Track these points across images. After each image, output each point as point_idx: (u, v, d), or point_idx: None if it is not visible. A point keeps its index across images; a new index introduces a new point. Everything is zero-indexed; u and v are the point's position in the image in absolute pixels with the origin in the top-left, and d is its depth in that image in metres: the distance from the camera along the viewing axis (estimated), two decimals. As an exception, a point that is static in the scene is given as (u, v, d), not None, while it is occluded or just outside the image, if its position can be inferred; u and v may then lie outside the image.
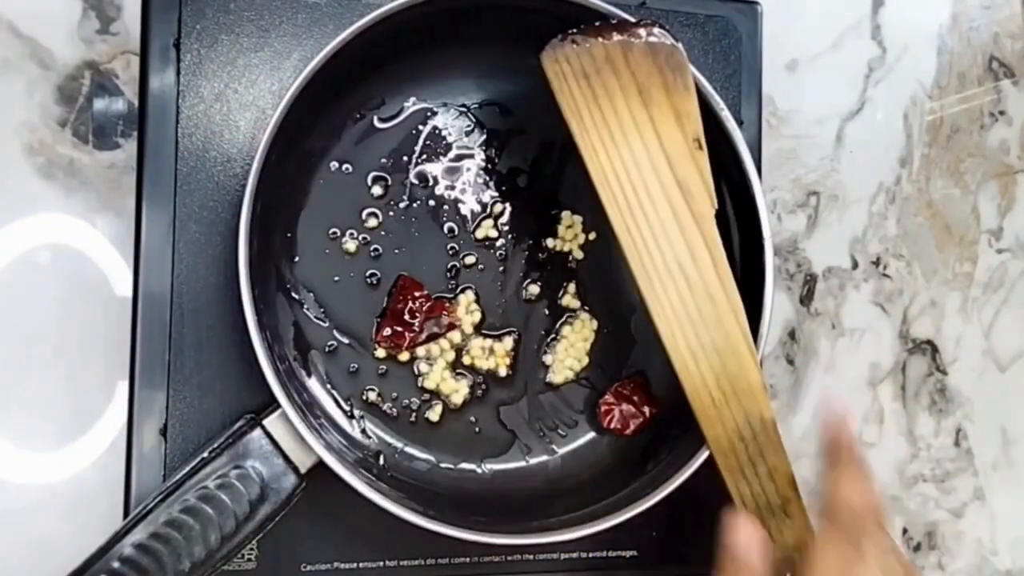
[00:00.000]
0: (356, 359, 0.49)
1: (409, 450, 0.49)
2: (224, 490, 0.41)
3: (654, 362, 0.52)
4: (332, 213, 0.49)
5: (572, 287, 0.52)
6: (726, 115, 0.47)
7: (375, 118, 0.50)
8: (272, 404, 0.43)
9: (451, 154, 0.51)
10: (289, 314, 0.48)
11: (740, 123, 0.52)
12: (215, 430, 0.45)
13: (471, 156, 0.51)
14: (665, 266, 0.44)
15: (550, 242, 0.52)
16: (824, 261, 0.61)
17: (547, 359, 0.52)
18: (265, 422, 0.43)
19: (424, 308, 0.48)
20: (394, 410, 0.49)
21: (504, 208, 0.51)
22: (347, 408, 0.49)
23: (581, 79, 0.44)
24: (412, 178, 0.50)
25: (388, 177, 0.50)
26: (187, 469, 0.42)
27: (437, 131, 0.51)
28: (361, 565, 0.47)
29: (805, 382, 0.60)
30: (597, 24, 0.44)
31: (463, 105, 0.51)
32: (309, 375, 0.48)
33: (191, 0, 0.46)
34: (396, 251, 0.49)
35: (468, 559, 0.49)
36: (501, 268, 0.51)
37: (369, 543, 0.47)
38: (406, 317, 0.48)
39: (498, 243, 0.51)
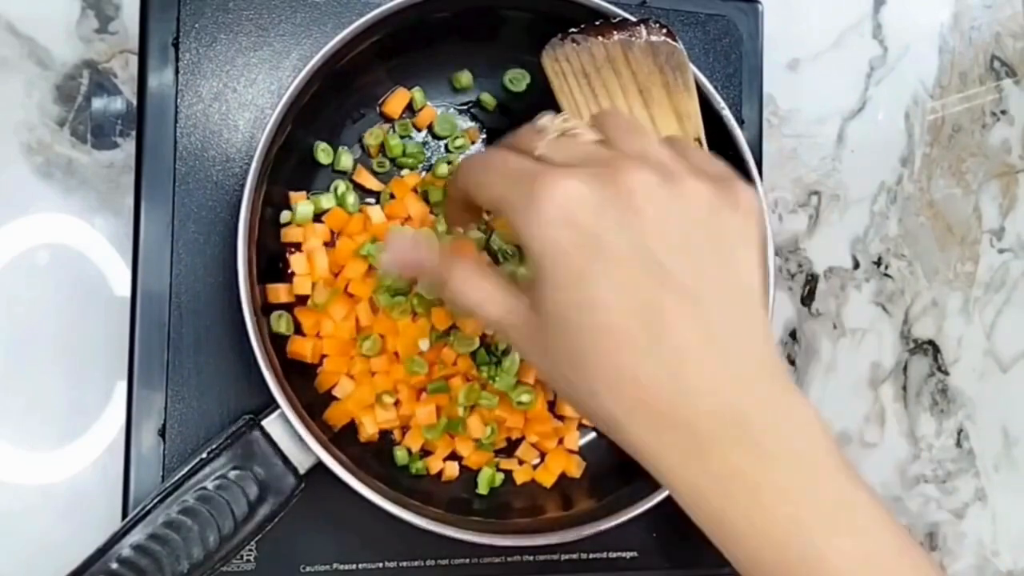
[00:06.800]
0: (355, 359, 0.48)
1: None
2: (223, 491, 0.41)
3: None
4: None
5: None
6: (727, 114, 0.47)
7: (374, 117, 0.49)
8: (271, 405, 0.43)
9: (451, 154, 0.50)
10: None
11: (741, 122, 0.52)
12: (214, 431, 0.45)
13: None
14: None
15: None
16: (825, 261, 0.61)
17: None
18: (264, 423, 0.43)
19: None
20: (394, 410, 0.49)
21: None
22: (346, 408, 0.48)
23: (581, 78, 0.43)
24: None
25: (387, 176, 0.49)
26: (186, 470, 0.42)
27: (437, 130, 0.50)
28: (360, 566, 0.47)
29: (806, 382, 0.60)
30: (597, 23, 0.44)
31: (463, 104, 0.51)
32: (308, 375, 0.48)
33: (190, -1, 0.46)
34: (396, 251, 0.49)
35: (468, 560, 0.48)
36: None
37: (368, 544, 0.47)
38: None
39: (498, 243, 0.51)
